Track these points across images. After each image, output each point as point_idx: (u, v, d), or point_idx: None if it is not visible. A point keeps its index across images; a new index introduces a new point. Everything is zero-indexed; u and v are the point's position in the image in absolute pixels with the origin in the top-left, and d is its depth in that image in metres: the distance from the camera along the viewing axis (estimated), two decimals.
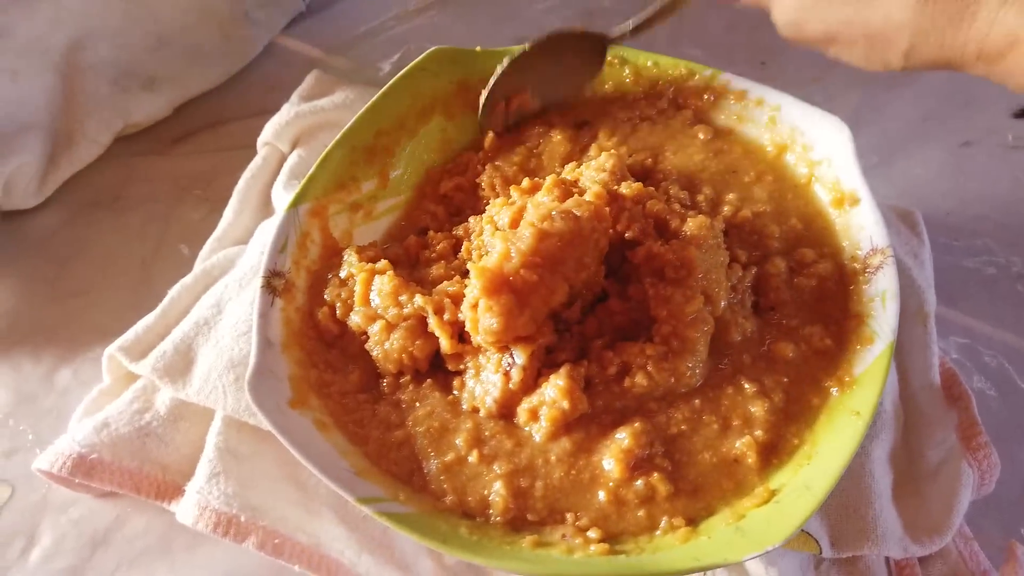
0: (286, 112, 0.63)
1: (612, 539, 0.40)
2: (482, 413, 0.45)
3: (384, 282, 0.48)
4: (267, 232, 0.56)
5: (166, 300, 0.55)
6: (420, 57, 0.56)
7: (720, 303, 0.45)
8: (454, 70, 0.57)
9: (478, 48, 0.58)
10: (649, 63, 0.57)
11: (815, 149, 0.52)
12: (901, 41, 0.41)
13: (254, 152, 0.67)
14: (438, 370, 0.48)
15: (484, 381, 0.45)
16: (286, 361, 0.46)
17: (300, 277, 0.50)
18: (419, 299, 0.47)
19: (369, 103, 0.55)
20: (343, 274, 0.50)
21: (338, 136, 0.54)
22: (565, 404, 0.43)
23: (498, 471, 0.42)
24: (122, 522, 0.51)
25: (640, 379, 0.43)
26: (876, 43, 0.43)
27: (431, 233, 0.53)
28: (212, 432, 0.49)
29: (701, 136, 0.55)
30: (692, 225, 0.46)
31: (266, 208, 0.61)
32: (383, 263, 0.50)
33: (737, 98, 0.55)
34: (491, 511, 0.41)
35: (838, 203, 0.50)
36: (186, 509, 0.47)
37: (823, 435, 0.42)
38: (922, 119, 0.67)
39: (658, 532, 0.40)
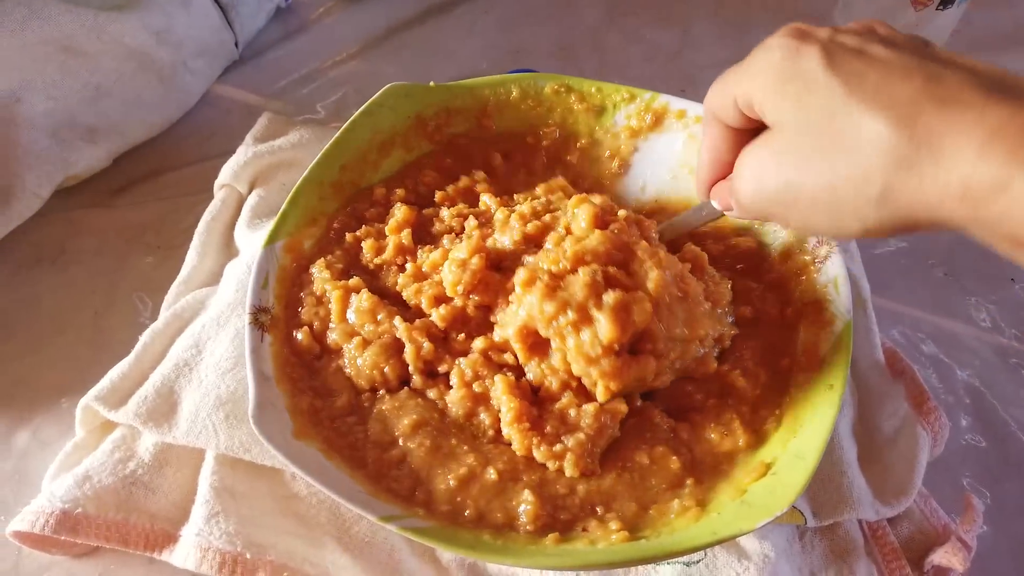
0: (242, 154, 0.63)
1: (630, 528, 0.42)
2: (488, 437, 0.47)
3: (361, 300, 0.50)
4: (240, 270, 0.56)
5: (139, 346, 0.53)
6: (377, 94, 0.58)
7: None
8: (409, 104, 0.60)
9: (431, 83, 0.60)
10: (593, 89, 0.61)
11: None
12: (873, 182, 0.33)
13: (199, 198, 0.67)
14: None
15: (494, 401, 0.47)
16: (281, 394, 0.46)
17: (282, 310, 0.50)
18: (399, 324, 0.49)
19: (333, 139, 0.56)
20: (316, 290, 0.51)
21: (305, 173, 0.55)
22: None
23: (525, 480, 0.44)
24: None
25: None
26: (844, 192, 0.35)
27: (370, 241, 0.54)
28: (205, 473, 0.49)
29: None
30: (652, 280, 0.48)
31: (228, 249, 0.61)
32: (355, 280, 0.51)
33: (677, 116, 0.60)
34: (520, 521, 0.43)
35: None
36: (185, 553, 0.46)
37: (803, 409, 0.46)
38: None
39: (672, 516, 0.43)
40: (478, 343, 0.48)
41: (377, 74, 0.80)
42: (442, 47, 0.83)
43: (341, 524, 0.49)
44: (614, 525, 0.42)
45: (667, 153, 0.60)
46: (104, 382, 0.51)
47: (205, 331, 0.53)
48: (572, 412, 0.46)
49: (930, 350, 0.61)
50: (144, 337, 0.54)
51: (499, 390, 0.46)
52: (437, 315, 0.49)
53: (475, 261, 0.49)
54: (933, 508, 0.52)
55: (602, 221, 0.49)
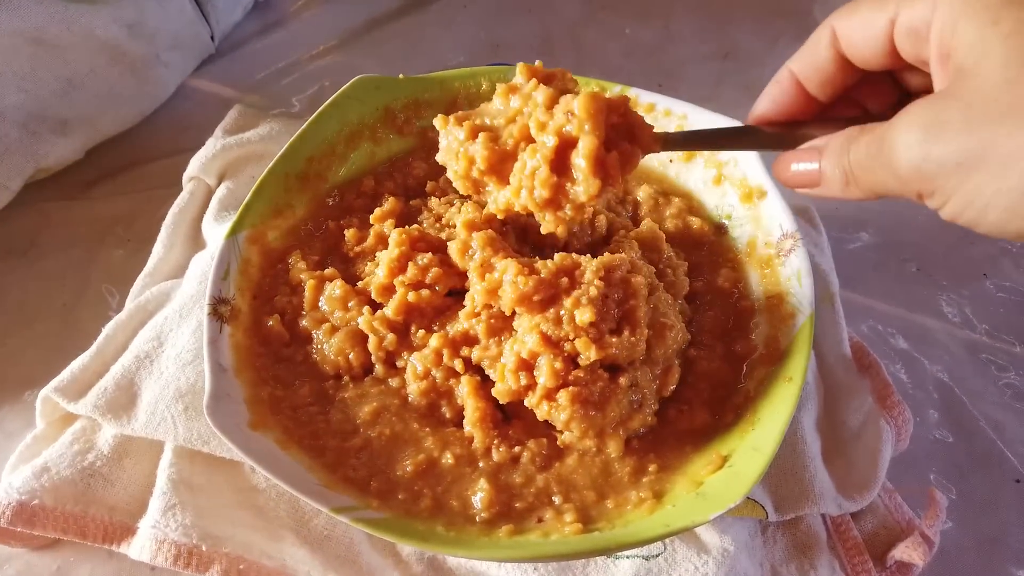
0: (211, 146, 0.63)
1: (585, 520, 0.42)
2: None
3: (334, 288, 0.50)
4: (204, 262, 0.56)
5: (101, 338, 0.53)
6: (346, 85, 0.58)
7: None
8: (379, 97, 0.60)
9: (401, 76, 0.60)
10: None
11: (722, 152, 0.57)
12: None
13: (171, 191, 0.67)
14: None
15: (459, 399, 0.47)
16: (240, 385, 0.46)
17: (244, 302, 0.50)
18: (363, 320, 0.48)
19: (299, 131, 0.56)
20: (292, 279, 0.51)
21: (271, 164, 0.54)
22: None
23: (482, 467, 0.44)
24: (65, 573, 0.48)
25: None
26: None
27: (352, 230, 0.54)
28: (163, 465, 0.48)
29: None
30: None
31: (196, 242, 0.61)
32: (331, 270, 0.52)
33: (646, 110, 0.60)
34: (474, 509, 0.42)
35: (747, 197, 0.55)
36: (142, 545, 0.46)
37: (762, 403, 0.46)
38: None
39: (628, 507, 0.43)
40: (434, 341, 0.48)
41: (355, 68, 0.79)
42: (421, 41, 0.83)
43: (300, 517, 0.48)
44: (569, 516, 0.42)
45: None
46: (64, 373, 0.51)
47: (167, 323, 0.53)
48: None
49: (900, 345, 0.60)
50: (107, 329, 0.54)
51: (465, 391, 0.46)
52: (390, 307, 0.49)
53: (396, 252, 0.49)
54: (898, 503, 0.52)
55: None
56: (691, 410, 0.47)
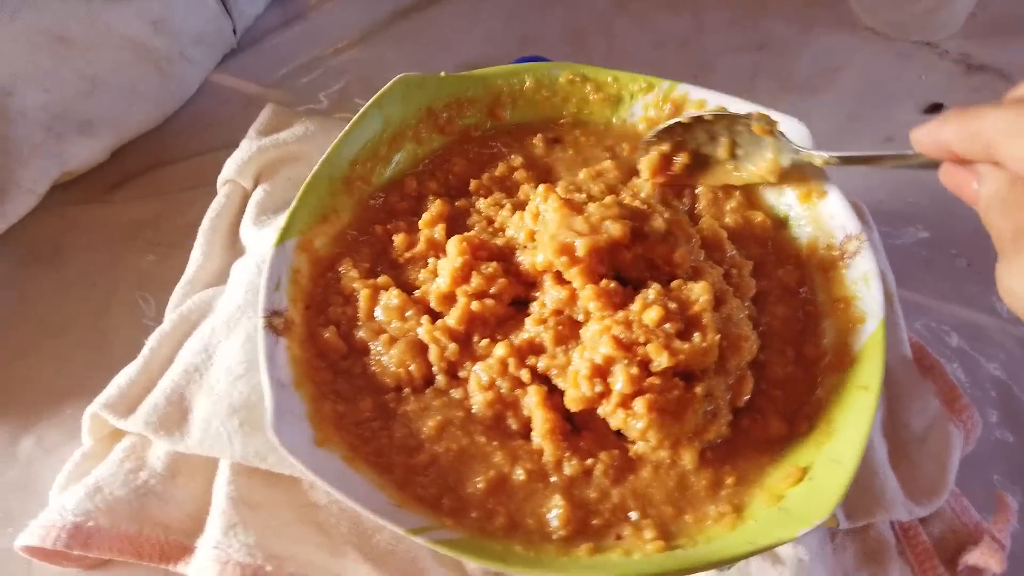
0: (246, 148, 0.61)
1: (665, 536, 0.41)
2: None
3: (390, 297, 0.48)
4: (249, 270, 0.54)
5: (146, 351, 0.51)
6: (387, 85, 0.56)
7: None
8: (421, 96, 0.58)
9: (442, 73, 0.58)
10: (609, 79, 0.60)
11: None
12: None
13: (199, 192, 0.65)
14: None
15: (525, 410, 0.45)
16: (301, 400, 0.45)
17: (297, 313, 0.49)
18: (423, 330, 0.47)
19: (341, 133, 0.54)
20: (344, 289, 0.50)
21: (315, 168, 0.53)
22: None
23: (555, 482, 0.43)
24: None
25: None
26: None
27: (401, 235, 0.53)
28: (220, 483, 0.47)
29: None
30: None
31: (234, 247, 0.59)
32: (384, 278, 0.50)
33: (697, 107, 0.58)
34: (550, 527, 0.41)
35: (806, 196, 0.54)
36: (203, 566, 0.44)
37: (837, 412, 0.45)
38: (848, 119, 0.72)
39: (708, 522, 0.42)
40: (499, 350, 0.47)
41: (380, 62, 0.78)
42: (446, 34, 0.80)
43: (362, 533, 0.47)
44: (649, 533, 0.41)
45: None
46: (111, 389, 0.49)
47: (215, 335, 0.51)
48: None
49: (955, 343, 0.60)
50: (150, 341, 0.52)
51: (533, 402, 0.45)
52: (453, 317, 0.48)
53: (460, 261, 0.48)
54: (964, 506, 0.51)
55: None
56: (764, 419, 0.46)
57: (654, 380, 0.43)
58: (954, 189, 0.42)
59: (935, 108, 0.75)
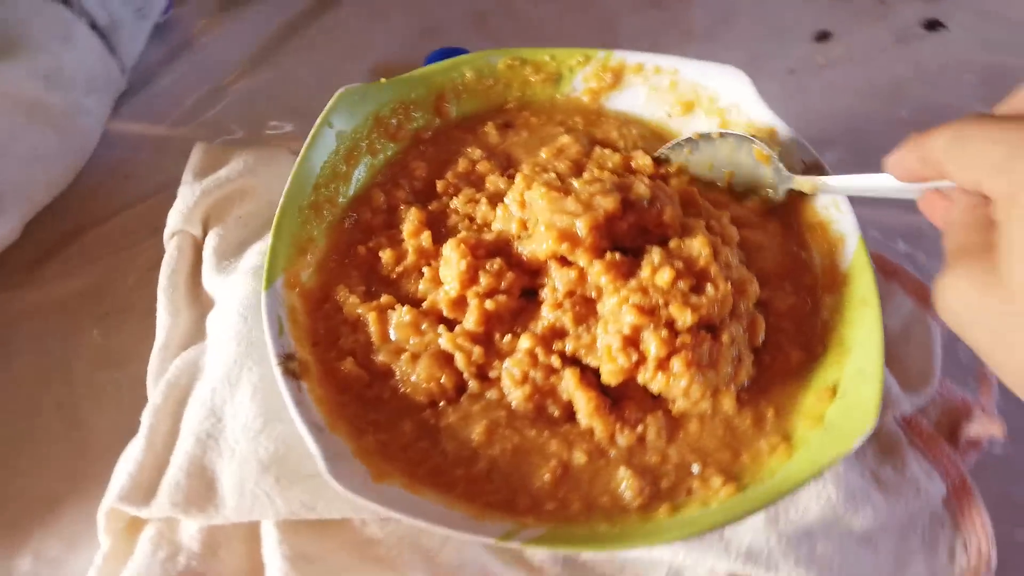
0: (188, 194, 0.57)
1: (733, 479, 0.43)
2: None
3: (401, 315, 0.47)
4: (231, 321, 0.51)
5: (144, 430, 0.48)
6: (330, 102, 0.54)
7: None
8: (365, 106, 0.56)
9: (382, 80, 0.57)
10: (547, 58, 0.60)
11: (720, 98, 0.58)
12: None
13: (137, 250, 0.61)
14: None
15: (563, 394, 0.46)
16: (341, 440, 0.43)
17: (306, 352, 0.47)
18: (444, 340, 0.47)
19: (298, 159, 0.52)
20: (348, 317, 0.48)
21: (281, 201, 0.50)
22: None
23: (615, 456, 0.43)
24: None
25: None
26: None
27: (388, 251, 0.51)
28: (270, 545, 0.44)
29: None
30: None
31: (200, 300, 0.56)
32: (387, 298, 0.49)
33: (635, 71, 0.60)
34: (625, 500, 0.42)
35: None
36: None
37: (845, 328, 0.48)
38: (750, 59, 0.76)
39: (765, 458, 0.44)
40: (524, 342, 0.47)
41: (289, 79, 0.75)
42: (349, 39, 0.78)
43: (426, 555, 0.46)
44: (716, 481, 0.43)
45: (633, 109, 0.60)
46: (120, 479, 0.46)
47: (217, 395, 0.48)
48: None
49: (903, 249, 0.64)
50: (146, 418, 0.48)
51: (571, 385, 0.45)
52: (470, 320, 0.47)
53: (464, 264, 0.47)
54: (948, 387, 0.56)
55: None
56: (783, 351, 0.48)
57: (684, 338, 0.44)
58: (929, 216, 0.44)
59: (824, 36, 0.81)
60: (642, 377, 0.45)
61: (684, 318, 0.44)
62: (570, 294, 0.47)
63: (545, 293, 0.48)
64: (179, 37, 0.77)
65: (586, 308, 0.47)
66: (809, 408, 0.46)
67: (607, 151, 0.56)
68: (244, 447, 0.46)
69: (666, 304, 0.45)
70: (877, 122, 0.73)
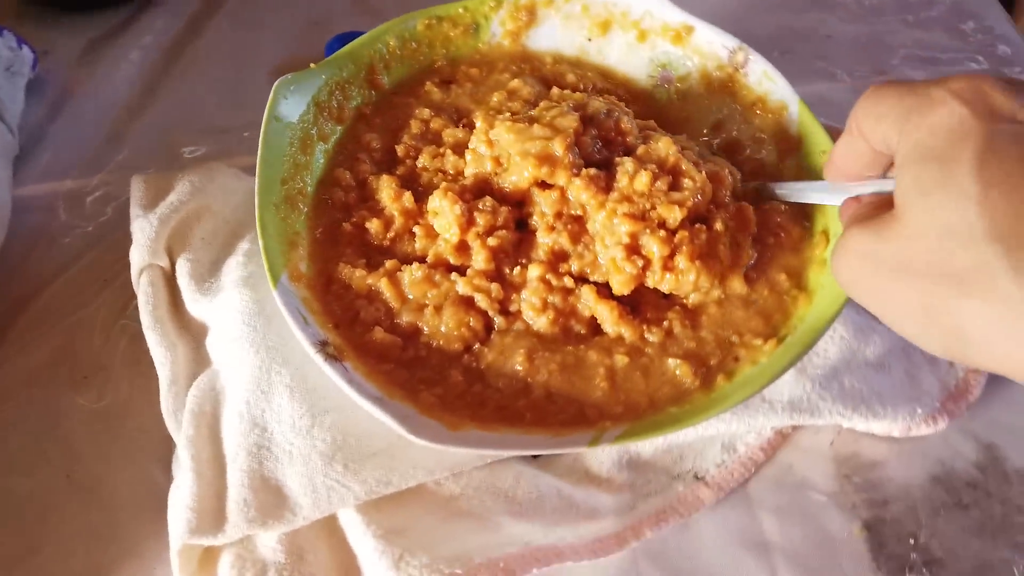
0: (145, 227, 0.54)
1: (773, 335, 0.46)
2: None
3: (413, 272, 0.48)
4: (238, 332, 0.49)
5: (188, 462, 0.46)
6: (270, 96, 0.53)
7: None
8: (303, 93, 0.55)
9: (312, 65, 0.56)
10: (460, 10, 0.61)
11: (632, 10, 0.61)
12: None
13: (90, 310, 0.58)
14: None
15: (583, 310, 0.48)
16: (405, 405, 0.43)
17: (333, 335, 0.46)
18: (461, 285, 0.47)
19: (259, 161, 0.51)
20: (360, 290, 0.48)
21: (257, 203, 0.49)
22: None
23: (654, 352, 0.46)
24: None
25: None
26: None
27: (375, 222, 0.51)
28: (357, 532, 0.44)
29: None
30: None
31: (190, 329, 0.53)
32: (391, 262, 0.49)
33: (546, 4, 0.62)
34: (685, 384, 0.44)
35: (677, 39, 0.60)
36: None
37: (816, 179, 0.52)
38: None
39: (791, 309, 0.48)
40: (535, 270, 0.48)
41: (186, 102, 0.71)
42: (237, 47, 0.75)
43: (505, 496, 0.47)
44: (757, 341, 0.46)
45: (553, 42, 0.62)
46: (183, 515, 0.43)
47: (254, 407, 0.47)
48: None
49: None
50: (184, 452, 0.46)
51: (591, 301, 0.47)
52: (479, 260, 0.48)
53: (459, 208, 0.48)
54: None
55: None
56: (784, 229, 0.51)
57: (682, 234, 0.46)
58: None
59: None
60: (651, 280, 0.47)
61: (673, 215, 0.46)
62: (559, 215, 0.49)
63: (536, 220, 0.49)
64: (55, 90, 0.72)
65: (578, 226, 0.48)
66: (811, 256, 0.49)
67: (566, 92, 0.57)
68: (300, 446, 0.45)
69: (653, 207, 0.47)
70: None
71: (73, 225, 0.63)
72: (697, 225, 0.47)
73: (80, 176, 0.66)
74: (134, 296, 0.57)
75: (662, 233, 0.46)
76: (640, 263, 0.46)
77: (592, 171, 0.48)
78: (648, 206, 0.47)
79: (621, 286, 0.47)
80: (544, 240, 0.49)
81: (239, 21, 0.78)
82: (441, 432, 0.41)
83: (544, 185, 0.49)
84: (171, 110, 0.71)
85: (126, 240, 0.59)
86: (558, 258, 0.48)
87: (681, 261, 0.46)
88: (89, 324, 0.57)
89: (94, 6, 0.77)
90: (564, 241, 0.48)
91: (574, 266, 0.48)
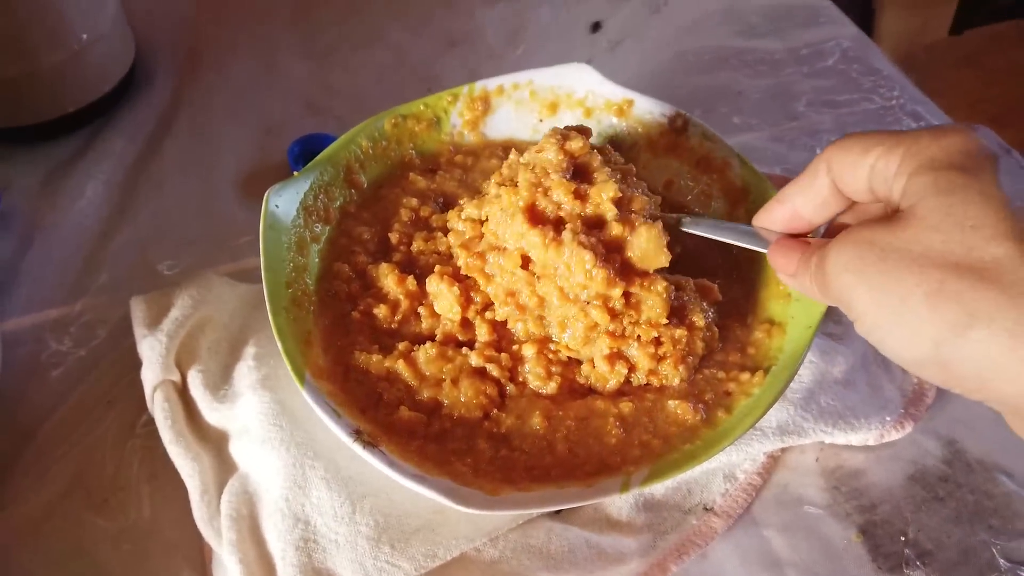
0: (153, 346, 0.56)
1: (755, 368, 0.51)
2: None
3: (427, 350, 0.51)
4: (265, 435, 0.52)
5: (236, 565, 0.47)
6: (263, 205, 0.56)
7: None
8: (290, 199, 0.58)
9: (295, 173, 0.60)
10: (422, 107, 0.66)
11: (575, 91, 0.67)
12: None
13: (108, 427, 0.59)
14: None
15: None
16: (442, 479, 0.46)
17: (361, 422, 0.49)
18: (474, 358, 0.51)
19: (263, 269, 0.53)
20: (378, 373, 0.51)
21: (269, 311, 0.51)
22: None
23: (651, 398, 0.51)
24: None
25: None
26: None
27: (382, 308, 0.54)
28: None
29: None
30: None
31: (209, 438, 0.55)
32: (404, 344, 0.52)
33: (497, 93, 0.67)
34: (691, 421, 0.49)
35: (620, 112, 0.67)
36: None
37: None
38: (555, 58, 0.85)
39: (766, 343, 0.53)
40: (528, 350, 0.52)
41: (158, 220, 0.73)
42: (199, 160, 0.78)
43: (541, 553, 0.50)
44: (744, 376, 0.51)
45: (509, 126, 0.68)
46: None
47: (293, 503, 0.49)
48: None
49: None
50: (231, 556, 0.48)
51: (591, 376, 0.52)
52: (482, 335, 0.52)
53: (456, 291, 0.52)
54: None
55: None
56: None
57: (667, 347, 0.51)
58: (781, 264, 0.46)
59: (596, 27, 0.94)
60: (636, 379, 0.52)
61: (649, 333, 0.51)
62: (510, 293, 0.53)
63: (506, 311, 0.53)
64: (21, 224, 0.73)
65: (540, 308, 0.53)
66: (776, 293, 0.56)
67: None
68: (345, 533, 0.47)
69: (634, 322, 0.51)
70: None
71: (66, 352, 0.63)
72: (667, 324, 0.51)
73: (63, 304, 0.67)
74: (141, 413, 0.59)
75: (651, 350, 0.51)
76: (624, 369, 0.51)
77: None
78: (627, 323, 0.51)
79: (610, 388, 0.52)
80: (517, 328, 0.53)
81: (195, 136, 0.80)
82: (484, 499, 0.44)
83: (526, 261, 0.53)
84: (142, 229, 0.73)
85: (124, 360, 0.61)
86: (544, 340, 0.53)
87: (666, 368, 0.51)
88: (100, 447, 0.58)
89: (47, 136, 0.78)
90: (532, 327, 0.53)
91: (561, 353, 0.53)
